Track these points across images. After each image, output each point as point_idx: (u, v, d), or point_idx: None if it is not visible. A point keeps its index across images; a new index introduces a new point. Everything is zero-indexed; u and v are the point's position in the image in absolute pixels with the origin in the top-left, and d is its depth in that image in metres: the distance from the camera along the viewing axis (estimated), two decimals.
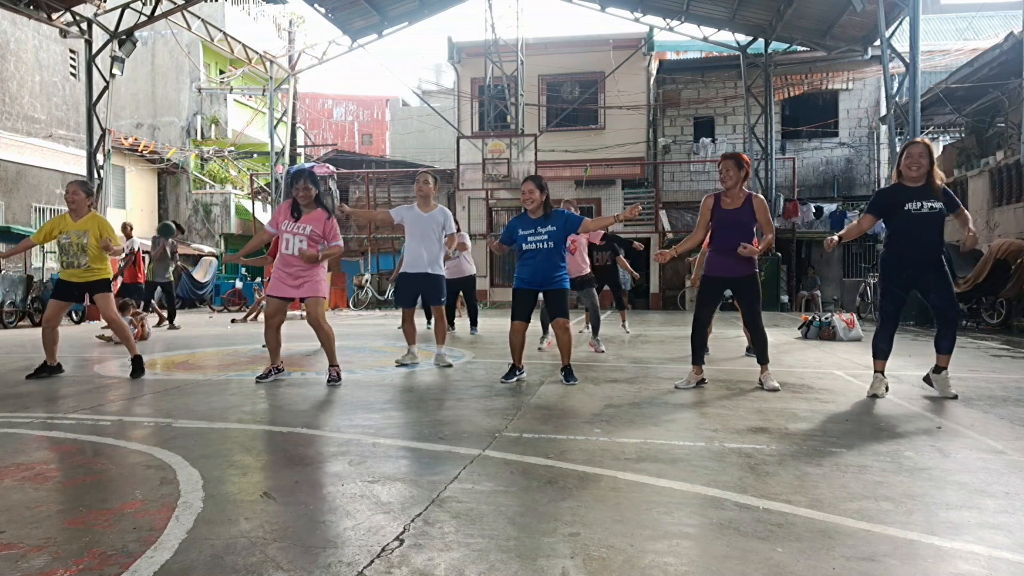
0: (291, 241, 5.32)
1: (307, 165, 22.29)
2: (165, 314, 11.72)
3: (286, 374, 5.65)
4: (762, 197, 5.12)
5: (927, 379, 4.80)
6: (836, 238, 4.86)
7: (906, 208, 4.57)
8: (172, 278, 11.61)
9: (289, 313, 6.09)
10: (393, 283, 13.17)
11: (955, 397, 4.57)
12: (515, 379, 5.36)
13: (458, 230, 10.01)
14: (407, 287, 6.43)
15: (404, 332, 6.52)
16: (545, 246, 5.20)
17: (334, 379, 5.28)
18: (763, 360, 5.11)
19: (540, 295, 5.44)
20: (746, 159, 5.12)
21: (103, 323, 9.44)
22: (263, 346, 8.17)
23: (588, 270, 7.78)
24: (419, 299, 6.52)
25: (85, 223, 5.75)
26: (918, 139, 4.68)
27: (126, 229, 11.34)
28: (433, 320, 6.56)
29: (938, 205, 4.54)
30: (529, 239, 5.25)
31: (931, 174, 4.58)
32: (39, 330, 6.05)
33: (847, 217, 18.45)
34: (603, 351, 7.47)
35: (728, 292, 5.54)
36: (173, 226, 12.00)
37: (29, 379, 5.52)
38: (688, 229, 19.29)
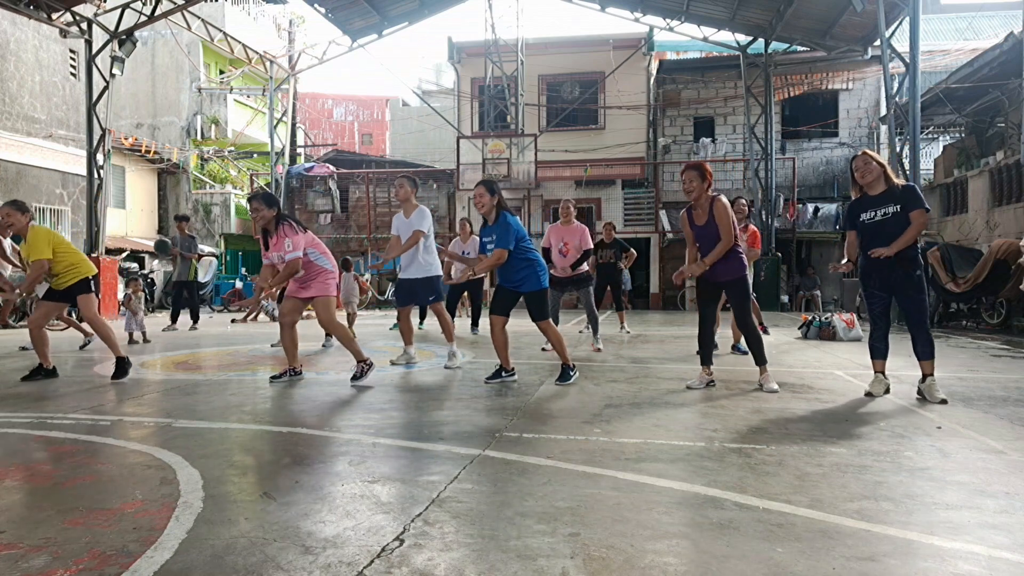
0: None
1: (306, 165, 22.30)
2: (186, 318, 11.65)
3: (303, 375, 5.62)
4: (724, 200, 4.93)
5: (920, 392, 4.70)
6: (845, 263, 4.98)
7: (861, 219, 4.67)
8: (191, 277, 11.52)
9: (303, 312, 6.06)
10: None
11: (943, 402, 4.45)
12: (499, 381, 5.26)
13: (470, 231, 9.78)
14: (402, 289, 6.53)
15: (401, 331, 6.55)
16: None
17: (358, 375, 5.26)
18: (761, 361, 5.07)
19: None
20: (708, 168, 4.98)
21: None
22: (272, 345, 8.23)
23: (586, 268, 7.73)
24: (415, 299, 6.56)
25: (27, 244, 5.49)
26: (859, 151, 4.78)
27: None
28: (437, 319, 6.54)
29: (892, 210, 4.54)
30: (488, 247, 5.26)
31: (887, 178, 4.61)
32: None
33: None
34: (600, 349, 7.48)
35: None
36: (168, 242, 12.04)
37: (24, 381, 5.49)
38: None
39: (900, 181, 4.64)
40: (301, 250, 5.21)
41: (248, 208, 5.38)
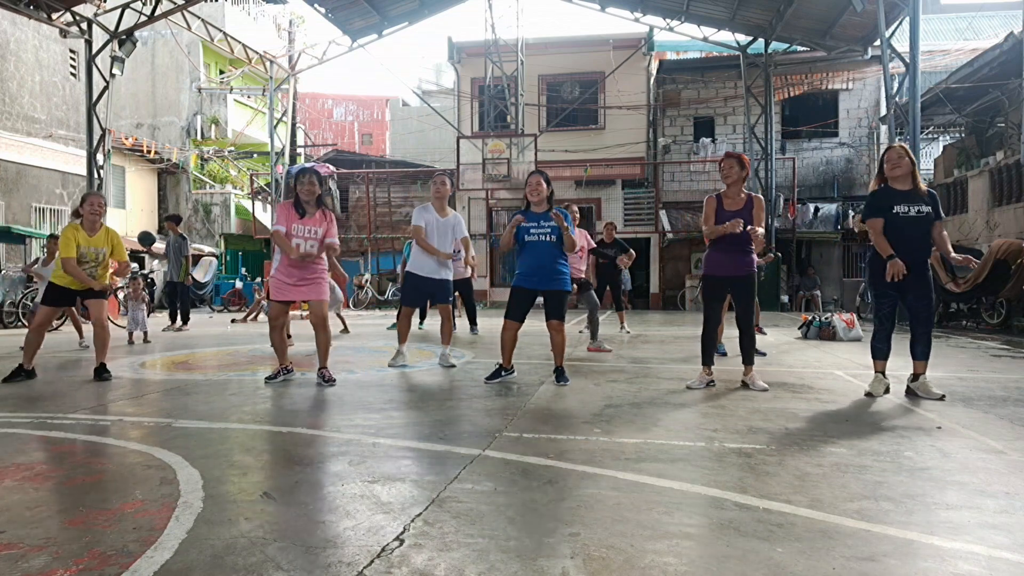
0: (302, 245, 5.31)
1: (308, 165, 22.29)
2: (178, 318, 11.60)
3: (296, 375, 5.62)
4: (761, 197, 5.20)
5: (908, 391, 4.73)
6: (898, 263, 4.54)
7: (894, 211, 4.61)
8: (180, 277, 11.44)
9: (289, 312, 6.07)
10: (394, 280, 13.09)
11: (942, 398, 4.51)
12: (499, 380, 5.32)
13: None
14: (415, 288, 6.43)
15: (398, 330, 6.50)
16: (548, 238, 5.21)
17: (329, 380, 5.29)
18: (749, 361, 5.14)
19: (540, 297, 5.40)
20: (747, 160, 5.21)
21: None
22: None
23: (583, 272, 7.83)
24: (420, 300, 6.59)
25: (100, 239, 5.76)
26: (894, 144, 4.75)
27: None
28: (440, 320, 6.54)
29: (926, 209, 4.56)
30: (531, 231, 5.25)
31: (915, 176, 4.63)
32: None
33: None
34: (609, 349, 7.50)
35: None
36: (152, 235, 12.02)
37: (5, 382, 5.36)
38: (688, 229, 19.30)
39: (924, 186, 4.68)
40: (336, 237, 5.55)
41: (302, 179, 5.40)
